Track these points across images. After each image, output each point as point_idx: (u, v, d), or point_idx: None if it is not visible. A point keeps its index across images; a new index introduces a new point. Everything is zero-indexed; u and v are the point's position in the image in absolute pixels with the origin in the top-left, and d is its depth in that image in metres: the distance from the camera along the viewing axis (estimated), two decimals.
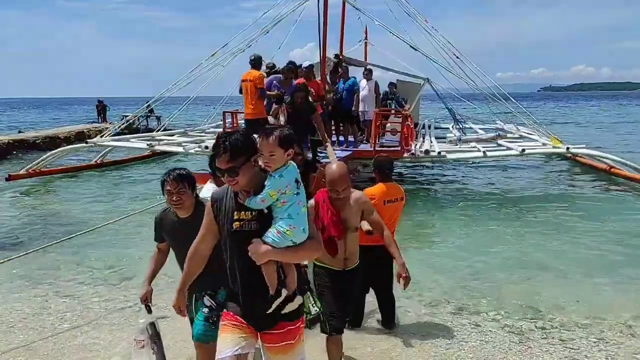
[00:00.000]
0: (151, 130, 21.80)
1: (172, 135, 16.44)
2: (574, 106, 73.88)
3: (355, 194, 3.87)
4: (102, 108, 32.03)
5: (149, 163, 17.01)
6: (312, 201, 3.65)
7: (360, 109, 12.58)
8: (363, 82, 12.79)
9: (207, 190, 4.07)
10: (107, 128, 23.76)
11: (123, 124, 18.96)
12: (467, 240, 8.07)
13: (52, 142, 21.34)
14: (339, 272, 3.79)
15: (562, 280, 6.18)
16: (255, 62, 9.80)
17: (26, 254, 6.47)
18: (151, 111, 27.38)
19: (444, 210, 10.20)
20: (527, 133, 15.26)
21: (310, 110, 8.19)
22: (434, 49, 15.51)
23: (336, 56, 14.44)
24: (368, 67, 15.64)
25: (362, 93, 12.53)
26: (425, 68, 17.43)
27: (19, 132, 27.61)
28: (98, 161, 15.85)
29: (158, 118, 26.58)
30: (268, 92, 9.56)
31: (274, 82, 9.81)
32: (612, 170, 12.68)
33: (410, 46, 14.87)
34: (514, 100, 15.59)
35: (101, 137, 15.67)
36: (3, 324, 4.99)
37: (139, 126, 25.93)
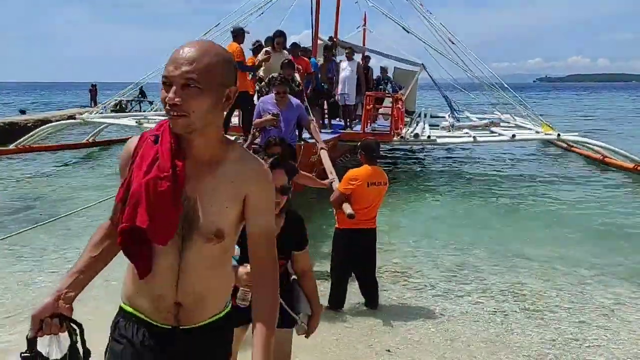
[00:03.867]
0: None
1: (164, 115, 16.30)
2: (576, 97, 73.68)
3: None
4: (95, 92, 31.85)
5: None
6: None
7: (340, 90, 11.90)
8: (344, 63, 12.11)
9: None
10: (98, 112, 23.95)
11: (112, 100, 18.80)
12: (454, 227, 8.01)
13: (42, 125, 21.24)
14: None
15: (546, 267, 6.15)
16: (236, 34, 9.29)
17: (18, 233, 6.38)
18: (143, 95, 27.37)
19: (433, 197, 10.18)
20: (523, 123, 15.26)
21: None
22: (431, 34, 15.46)
23: (330, 39, 14.35)
24: (366, 53, 15.60)
25: (343, 74, 11.86)
26: (423, 57, 17.30)
27: (21, 112, 27.49)
28: (90, 140, 15.75)
29: (151, 102, 26.52)
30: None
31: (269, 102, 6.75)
32: (605, 160, 12.68)
33: (403, 28, 14.81)
34: (509, 88, 15.58)
35: (91, 114, 15.61)
36: None
37: (132, 110, 25.83)
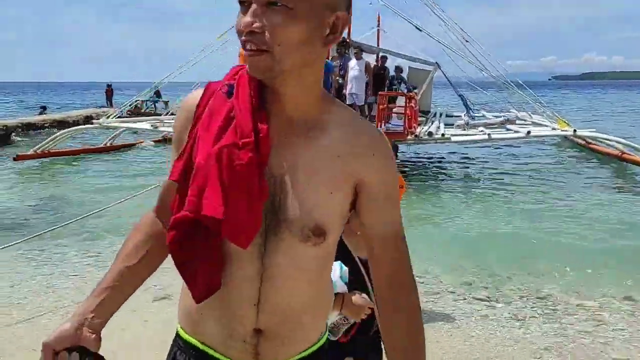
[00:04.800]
0: (159, 115, 21.91)
1: None
2: (591, 94, 72.74)
3: None
4: (111, 92, 32.13)
5: (158, 147, 17.05)
6: None
7: (349, 90, 11.90)
8: (352, 62, 12.05)
9: None
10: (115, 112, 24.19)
11: (128, 104, 19.00)
12: (469, 225, 8.02)
13: (60, 126, 21.53)
14: None
15: (564, 269, 6.07)
16: None
17: (36, 235, 6.46)
18: (158, 95, 27.52)
19: (446, 195, 10.15)
20: (540, 120, 15.13)
21: None
22: (444, 33, 15.40)
23: (343, 39, 14.35)
24: (381, 53, 15.61)
25: (351, 73, 11.85)
26: (437, 56, 17.26)
27: (42, 107, 27.88)
28: (107, 144, 15.93)
29: (166, 102, 26.69)
30: None
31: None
32: (623, 156, 12.46)
33: (416, 27, 14.75)
34: (524, 85, 15.46)
35: (107, 117, 15.77)
36: (9, 299, 4.99)
37: (146, 110, 25.99)
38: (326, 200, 1.08)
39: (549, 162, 14.64)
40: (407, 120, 11.80)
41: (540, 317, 4.76)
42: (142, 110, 25.04)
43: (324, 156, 1.07)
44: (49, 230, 6.82)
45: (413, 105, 12.36)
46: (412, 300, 1.17)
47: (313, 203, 1.06)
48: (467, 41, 15.09)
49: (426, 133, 11.89)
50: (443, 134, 11.88)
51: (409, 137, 11.72)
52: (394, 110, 13.37)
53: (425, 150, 15.52)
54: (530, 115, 16.30)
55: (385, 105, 12.04)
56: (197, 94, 1.13)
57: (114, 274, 1.16)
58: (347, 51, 12.66)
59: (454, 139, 12.13)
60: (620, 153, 12.66)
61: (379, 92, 12.27)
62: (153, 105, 27.32)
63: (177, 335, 1.23)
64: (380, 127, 11.57)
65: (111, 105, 30.53)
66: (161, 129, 13.86)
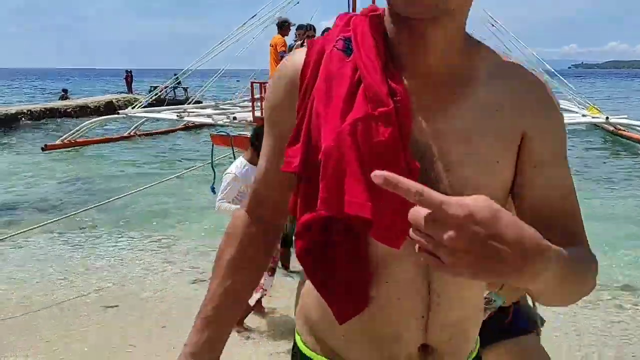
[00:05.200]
0: (179, 102, 21.88)
1: (204, 108, 16.52)
2: (614, 82, 71.26)
3: None
4: (131, 79, 32.29)
5: (183, 135, 17.14)
6: None
7: None
8: None
9: (235, 167, 4.07)
10: (135, 99, 24.35)
11: (153, 95, 19.11)
12: None
13: (82, 111, 21.82)
14: None
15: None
16: (281, 26, 9.42)
17: (66, 216, 6.55)
18: (178, 82, 27.60)
19: None
20: (568, 106, 14.89)
21: None
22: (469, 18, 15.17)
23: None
24: None
25: None
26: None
27: (63, 91, 28.21)
28: (131, 133, 16.02)
29: (185, 89, 26.77)
30: None
31: None
32: None
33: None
34: (554, 72, 15.18)
35: (132, 108, 15.82)
36: (45, 281, 5.05)
37: (166, 97, 26.11)
38: (494, 171, 0.85)
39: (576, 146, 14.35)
40: None
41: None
42: (162, 97, 25.16)
43: (480, 115, 0.84)
44: (80, 212, 6.87)
45: None
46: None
47: (478, 177, 0.83)
48: (493, 25, 14.81)
49: None
50: None
51: None
52: None
53: None
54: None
55: None
56: (298, 55, 0.90)
57: (217, 299, 0.99)
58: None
59: None
60: None
61: None
62: (172, 92, 27.41)
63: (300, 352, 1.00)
64: None
65: (131, 92, 30.74)
66: (187, 118, 13.89)
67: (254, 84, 12.96)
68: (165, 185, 8.32)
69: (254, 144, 4.12)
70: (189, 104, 17.95)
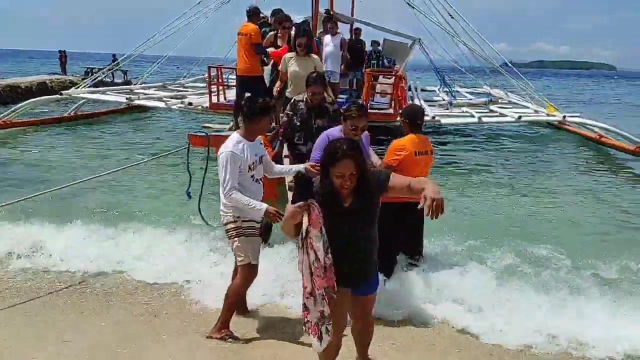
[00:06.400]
0: (116, 84, 21.16)
1: (150, 88, 15.70)
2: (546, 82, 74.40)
3: None
4: (65, 59, 30.43)
5: (123, 116, 16.03)
6: None
7: (324, 67, 10.74)
8: (327, 38, 10.92)
9: (231, 143, 3.69)
10: (71, 81, 22.97)
11: (96, 77, 18.08)
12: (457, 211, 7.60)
13: (12, 92, 20.17)
14: None
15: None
16: (252, 14, 8.78)
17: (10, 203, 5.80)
18: (117, 65, 26.23)
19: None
20: (517, 100, 15.13)
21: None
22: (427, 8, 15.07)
23: (327, 11, 13.74)
24: (355, 24, 15.00)
25: (327, 50, 10.77)
26: (418, 32, 16.66)
27: None
28: (72, 114, 14.91)
29: (125, 72, 25.55)
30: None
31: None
32: (602, 139, 12.60)
33: None
34: (512, 67, 15.41)
35: (77, 88, 14.81)
36: None
37: (103, 80, 24.77)
38: None
39: (521, 140, 14.50)
40: (397, 101, 11.44)
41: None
42: (100, 80, 23.85)
43: None
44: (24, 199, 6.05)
45: (403, 85, 12.04)
46: None
47: None
48: (452, 17, 14.77)
49: None
50: (434, 117, 11.58)
51: (398, 118, 11.36)
52: (378, 88, 13.01)
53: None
54: (506, 93, 16.24)
55: (370, 82, 11.64)
56: None
57: None
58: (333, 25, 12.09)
59: (443, 121, 11.92)
60: (598, 136, 12.73)
61: (366, 70, 11.84)
62: (111, 75, 26.03)
63: None
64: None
65: (64, 73, 28.99)
66: (137, 102, 13.11)
67: (211, 68, 12.38)
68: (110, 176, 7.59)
69: (250, 117, 3.71)
70: (136, 85, 17.16)
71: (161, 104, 12.63)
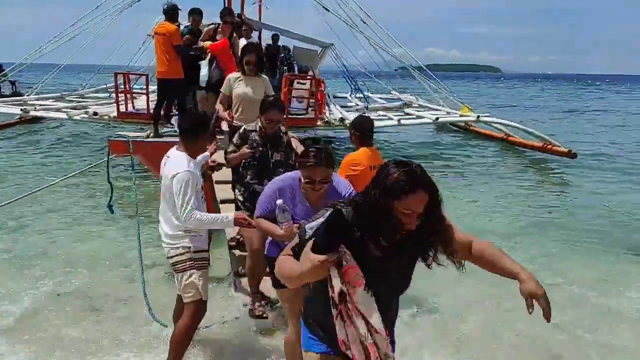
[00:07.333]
0: (5, 96, 19.44)
1: (46, 99, 14.44)
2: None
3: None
4: None
5: (15, 131, 14.56)
6: None
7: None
8: (242, 41, 9.94)
9: (186, 162, 3.35)
10: None
11: None
12: None
13: None
14: None
15: None
16: (170, 13, 8.28)
17: None
18: (4, 75, 24.07)
19: None
20: (427, 103, 15.52)
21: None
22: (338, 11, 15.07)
23: (238, 15, 13.37)
24: (265, 30, 14.74)
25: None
26: (329, 37, 16.61)
27: None
28: None
29: (13, 83, 23.45)
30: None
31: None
32: (509, 138, 13.19)
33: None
34: (426, 70, 15.71)
35: None
36: None
37: None
38: None
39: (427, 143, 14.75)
40: (317, 106, 11.33)
41: None
42: None
43: None
44: None
45: (323, 89, 11.93)
46: None
47: None
48: (364, 22, 14.89)
49: (336, 119, 11.54)
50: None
51: (319, 122, 11.27)
52: (294, 93, 12.82)
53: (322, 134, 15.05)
54: (416, 98, 16.66)
55: (287, 88, 11.46)
56: None
57: None
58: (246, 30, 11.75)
59: None
60: (505, 135, 13.34)
61: (285, 75, 11.64)
62: None
63: None
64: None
65: None
66: (33, 113, 11.93)
67: (118, 74, 11.50)
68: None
69: (187, 133, 3.42)
70: (28, 95, 15.84)
71: (62, 115, 11.60)
